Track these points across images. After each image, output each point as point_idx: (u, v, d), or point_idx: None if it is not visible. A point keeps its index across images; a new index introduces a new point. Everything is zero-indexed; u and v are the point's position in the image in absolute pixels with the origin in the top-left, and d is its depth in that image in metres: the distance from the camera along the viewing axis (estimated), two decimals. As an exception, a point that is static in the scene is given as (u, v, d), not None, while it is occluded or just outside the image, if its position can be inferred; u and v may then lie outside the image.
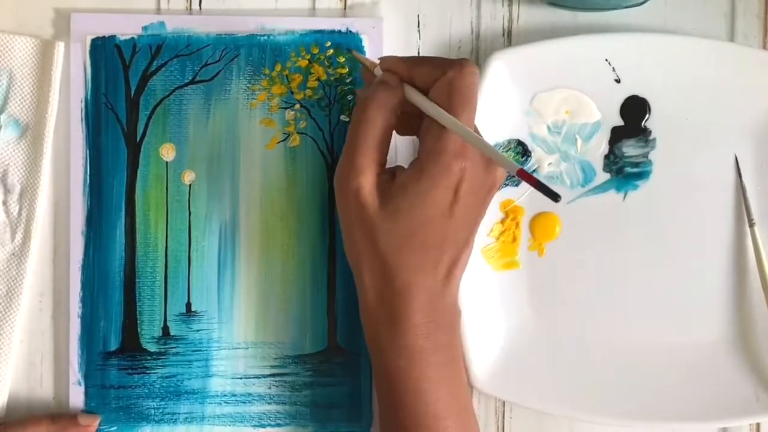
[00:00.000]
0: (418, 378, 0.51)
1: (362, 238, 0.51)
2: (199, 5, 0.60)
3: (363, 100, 0.52)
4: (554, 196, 0.46)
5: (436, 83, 0.51)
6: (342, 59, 0.59)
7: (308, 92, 0.60)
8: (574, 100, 0.59)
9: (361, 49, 0.59)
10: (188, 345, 0.59)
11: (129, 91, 0.59)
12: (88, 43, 0.59)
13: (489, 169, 0.51)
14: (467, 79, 0.51)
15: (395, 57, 0.54)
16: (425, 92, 0.52)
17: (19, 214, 0.59)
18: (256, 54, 0.59)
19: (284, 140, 0.60)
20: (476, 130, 0.52)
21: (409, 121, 0.53)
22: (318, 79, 0.60)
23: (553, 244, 0.60)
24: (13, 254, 0.59)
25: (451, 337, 0.53)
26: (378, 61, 0.54)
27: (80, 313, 0.59)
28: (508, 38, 0.60)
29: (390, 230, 0.50)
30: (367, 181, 0.51)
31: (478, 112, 0.57)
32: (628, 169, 0.60)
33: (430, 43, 0.60)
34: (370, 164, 0.51)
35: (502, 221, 0.60)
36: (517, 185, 0.59)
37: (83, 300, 0.59)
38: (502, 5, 0.60)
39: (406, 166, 0.52)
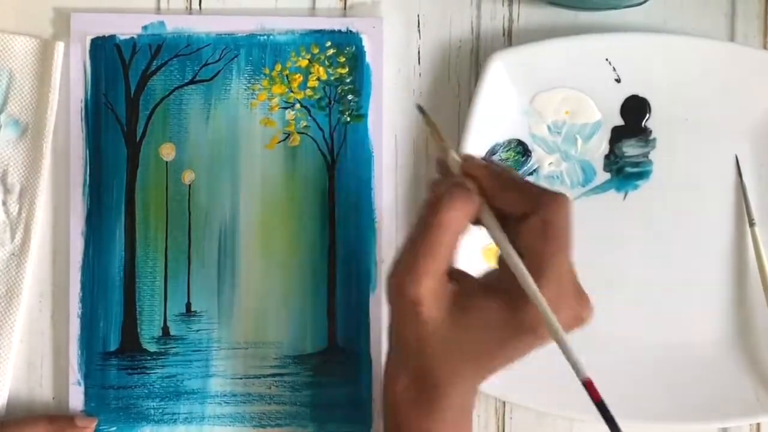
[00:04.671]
0: None
1: (411, 342, 0.48)
2: (199, 5, 0.60)
3: (437, 199, 0.46)
4: (616, 430, 0.45)
5: (529, 222, 0.46)
6: (342, 59, 0.59)
7: (308, 92, 0.60)
8: (574, 100, 0.59)
9: (361, 49, 0.59)
10: (188, 345, 0.59)
11: (129, 90, 0.59)
12: (88, 42, 0.59)
13: (581, 312, 0.48)
14: (564, 218, 0.46)
15: (482, 163, 0.48)
16: (504, 213, 0.47)
17: (19, 214, 0.59)
18: (256, 54, 0.59)
19: (284, 140, 0.60)
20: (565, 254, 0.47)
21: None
22: (318, 79, 0.60)
23: (553, 244, 0.60)
24: (13, 254, 0.59)
25: (469, 422, 0.51)
26: (455, 152, 0.49)
27: (80, 313, 0.59)
28: (508, 38, 0.60)
29: (448, 341, 0.47)
30: (428, 291, 0.46)
31: (479, 112, 0.58)
32: (628, 169, 0.60)
33: (430, 43, 0.60)
34: (433, 273, 0.46)
35: (502, 221, 0.60)
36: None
37: (83, 300, 0.59)
38: (502, 5, 0.60)
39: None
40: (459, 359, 0.47)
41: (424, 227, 0.46)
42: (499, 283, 0.47)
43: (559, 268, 0.46)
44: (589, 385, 0.45)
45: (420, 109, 0.51)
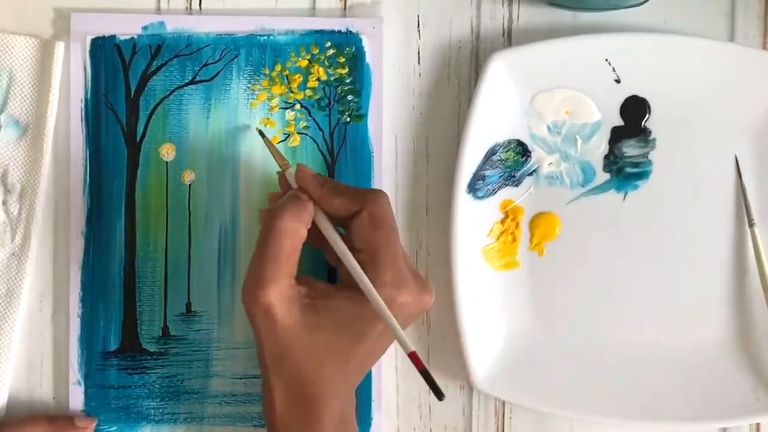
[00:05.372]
0: None
1: (274, 350, 0.50)
2: (199, 5, 0.60)
3: (273, 210, 0.51)
4: (439, 394, 0.47)
5: (357, 220, 0.50)
6: (342, 59, 0.59)
7: (308, 92, 0.60)
8: (574, 100, 0.59)
9: (360, 49, 0.59)
10: (188, 345, 0.59)
11: (129, 91, 0.59)
12: (88, 43, 0.59)
13: (423, 296, 0.51)
14: (386, 209, 0.51)
15: (309, 173, 0.53)
16: (336, 221, 0.52)
17: (19, 214, 0.59)
18: (256, 54, 0.59)
19: (284, 140, 0.60)
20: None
21: (319, 233, 0.52)
22: (318, 79, 0.60)
23: (553, 244, 0.60)
24: (13, 254, 0.59)
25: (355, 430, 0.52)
26: (290, 165, 0.54)
27: (80, 313, 0.59)
28: (508, 38, 0.60)
29: (307, 345, 0.49)
30: (279, 295, 0.49)
31: (479, 113, 0.58)
32: (628, 169, 0.60)
33: (430, 43, 0.60)
34: (281, 277, 0.49)
35: (502, 221, 0.60)
36: (517, 185, 0.60)
37: (83, 300, 0.59)
38: (502, 5, 0.60)
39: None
40: (322, 362, 0.49)
41: (264, 237, 0.50)
42: (346, 281, 0.51)
43: (391, 255, 0.50)
44: (413, 357, 0.48)
45: (260, 132, 0.57)
